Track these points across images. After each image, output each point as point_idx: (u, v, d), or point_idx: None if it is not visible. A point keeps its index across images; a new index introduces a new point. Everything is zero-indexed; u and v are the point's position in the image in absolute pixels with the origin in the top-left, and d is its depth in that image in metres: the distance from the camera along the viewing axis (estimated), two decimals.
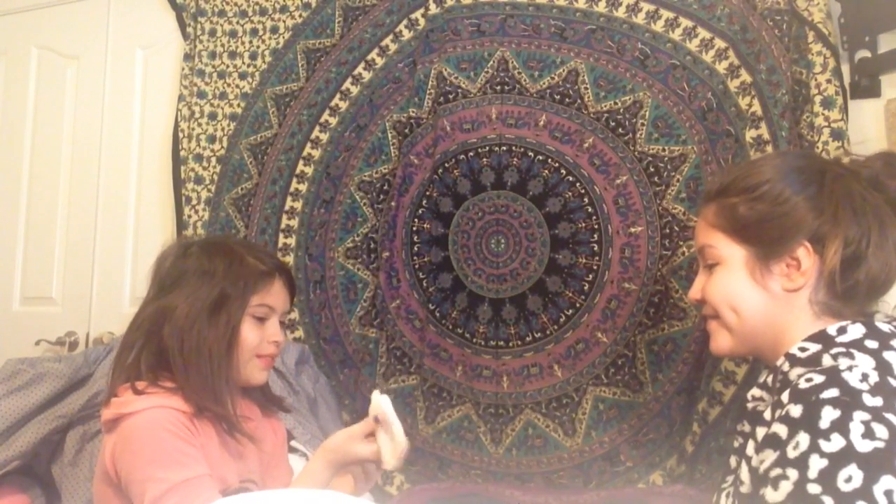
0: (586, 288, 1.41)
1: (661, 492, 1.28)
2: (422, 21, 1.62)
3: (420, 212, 1.55)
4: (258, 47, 1.78)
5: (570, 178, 1.45)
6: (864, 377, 0.64)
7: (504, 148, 1.50)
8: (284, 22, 1.77)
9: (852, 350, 0.69)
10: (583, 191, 1.43)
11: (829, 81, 1.24)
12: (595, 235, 1.42)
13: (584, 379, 1.39)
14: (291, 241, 1.69)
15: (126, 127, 1.98)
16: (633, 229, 1.39)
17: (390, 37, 1.66)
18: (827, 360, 0.70)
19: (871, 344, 0.69)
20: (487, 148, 1.51)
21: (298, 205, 1.70)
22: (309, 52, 1.73)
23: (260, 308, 1.01)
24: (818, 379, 0.65)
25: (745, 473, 0.72)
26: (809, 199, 0.77)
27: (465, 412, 1.46)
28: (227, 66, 1.80)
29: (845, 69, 1.30)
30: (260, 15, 1.79)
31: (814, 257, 0.77)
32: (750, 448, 0.72)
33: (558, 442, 1.39)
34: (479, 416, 1.45)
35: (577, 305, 1.41)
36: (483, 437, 1.44)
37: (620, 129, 1.42)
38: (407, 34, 1.64)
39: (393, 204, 1.57)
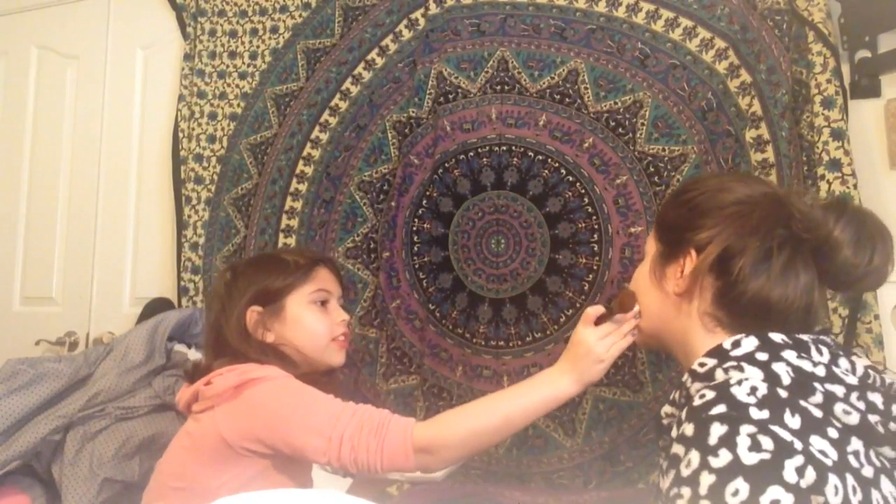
0: (586, 288, 1.41)
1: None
2: (422, 21, 1.62)
3: (420, 212, 1.55)
4: (258, 47, 1.78)
5: (570, 178, 1.45)
6: (753, 390, 0.64)
7: (504, 148, 1.50)
8: (284, 22, 1.77)
9: (743, 363, 0.68)
10: (583, 191, 1.43)
11: (829, 81, 1.24)
12: (595, 235, 1.42)
13: None
14: (291, 241, 1.69)
15: (126, 127, 1.98)
16: (633, 229, 1.39)
17: (390, 37, 1.66)
18: (720, 375, 0.70)
19: (762, 356, 0.69)
20: (487, 148, 1.51)
21: (298, 205, 1.70)
22: (309, 52, 1.73)
23: (318, 293, 1.12)
24: (709, 395, 0.65)
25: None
26: (716, 213, 0.79)
27: None
28: (227, 66, 1.80)
29: (845, 69, 1.30)
30: (260, 15, 1.79)
31: (694, 264, 0.78)
32: (665, 465, 0.72)
33: (558, 442, 1.39)
34: None
35: (578, 305, 1.41)
36: None
37: (620, 129, 1.42)
38: (407, 34, 1.64)
39: (393, 204, 1.57)
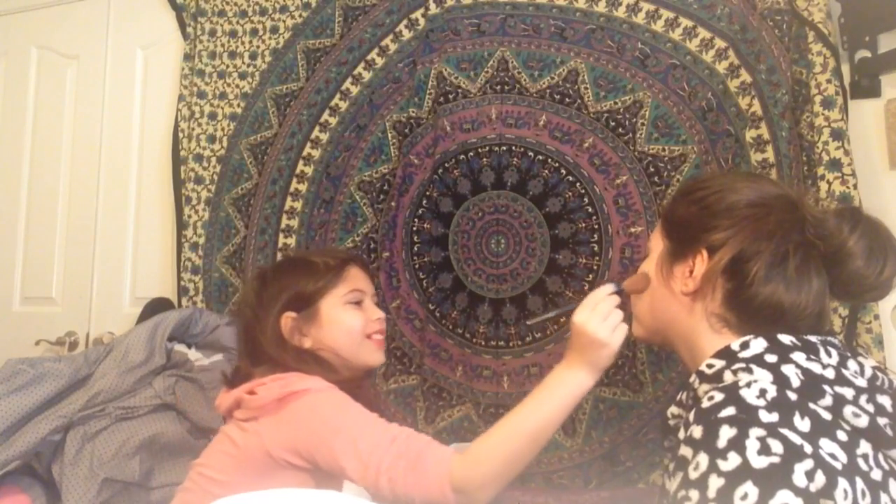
0: (586, 288, 1.41)
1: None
2: (422, 21, 1.62)
3: (420, 212, 1.55)
4: (258, 47, 1.78)
5: (570, 178, 1.45)
6: (762, 393, 0.63)
7: (504, 148, 1.50)
8: (284, 22, 1.76)
9: (752, 365, 0.68)
10: (583, 191, 1.43)
11: (829, 81, 1.24)
12: (595, 235, 1.42)
13: None
14: (291, 241, 1.69)
15: (126, 127, 1.98)
16: (633, 229, 1.39)
17: (390, 37, 1.66)
18: (728, 377, 0.69)
19: (771, 358, 0.68)
20: (487, 148, 1.51)
21: (298, 205, 1.70)
22: (309, 52, 1.73)
23: (352, 294, 1.10)
24: (718, 397, 0.65)
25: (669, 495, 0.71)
26: (730, 214, 0.78)
27: (465, 412, 1.46)
28: (227, 66, 1.80)
29: (845, 69, 1.30)
30: (260, 15, 1.79)
31: (707, 266, 0.78)
32: (671, 467, 0.71)
33: (558, 442, 1.39)
34: (479, 417, 1.45)
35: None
36: None
37: (620, 129, 1.42)
38: (407, 34, 1.64)
39: (393, 204, 1.57)
